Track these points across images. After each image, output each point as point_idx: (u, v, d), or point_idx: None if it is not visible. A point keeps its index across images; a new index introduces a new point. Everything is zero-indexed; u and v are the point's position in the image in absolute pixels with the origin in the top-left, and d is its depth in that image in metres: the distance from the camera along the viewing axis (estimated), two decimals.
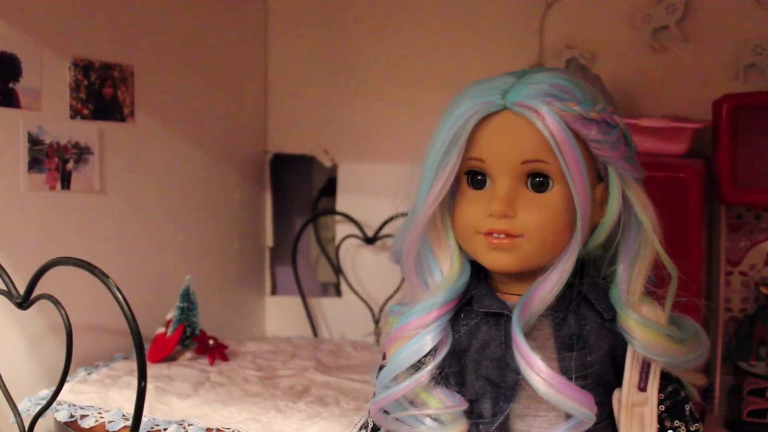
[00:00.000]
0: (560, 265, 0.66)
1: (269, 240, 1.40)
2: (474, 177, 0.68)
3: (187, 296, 1.09)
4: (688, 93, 1.09)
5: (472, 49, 1.22)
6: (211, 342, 1.09)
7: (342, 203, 1.34)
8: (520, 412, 0.68)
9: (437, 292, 0.69)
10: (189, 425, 0.85)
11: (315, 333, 1.35)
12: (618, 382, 0.68)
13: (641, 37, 1.12)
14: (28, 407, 0.91)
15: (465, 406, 0.68)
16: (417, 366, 0.68)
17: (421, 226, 0.68)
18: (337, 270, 1.36)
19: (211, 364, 1.06)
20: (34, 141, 0.99)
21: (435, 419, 0.68)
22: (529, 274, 0.68)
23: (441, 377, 0.69)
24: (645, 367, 0.68)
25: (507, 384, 0.67)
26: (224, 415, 0.87)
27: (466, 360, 0.69)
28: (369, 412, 0.72)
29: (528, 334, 0.66)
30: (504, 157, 0.66)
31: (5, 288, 0.76)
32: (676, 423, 0.70)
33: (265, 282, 1.41)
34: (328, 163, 1.35)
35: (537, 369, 0.64)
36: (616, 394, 0.68)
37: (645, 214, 0.69)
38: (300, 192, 1.43)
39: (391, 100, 1.29)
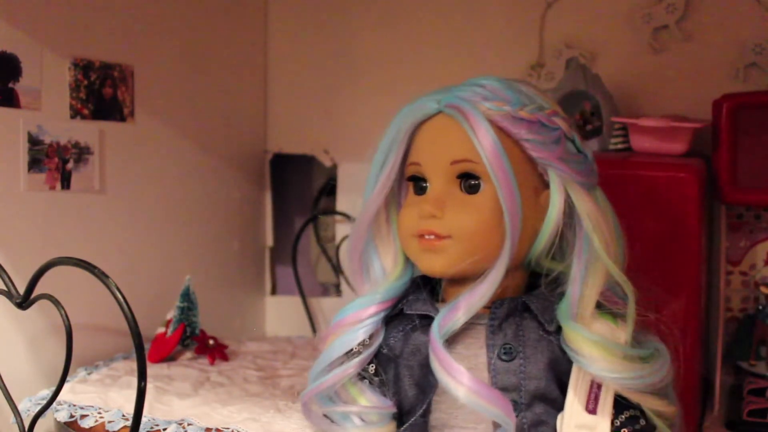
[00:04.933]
0: (493, 271, 0.64)
1: (269, 240, 1.40)
2: (417, 183, 0.69)
3: (187, 296, 1.09)
4: (688, 93, 1.09)
5: (472, 48, 1.22)
6: (211, 342, 1.09)
7: (342, 203, 1.34)
8: (445, 421, 0.67)
9: (378, 288, 0.70)
10: (188, 425, 0.85)
11: (315, 333, 1.35)
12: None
13: (641, 36, 1.12)
14: (28, 407, 0.91)
15: (392, 408, 0.68)
16: (348, 358, 0.69)
17: (364, 227, 0.70)
18: (337, 270, 1.36)
19: (211, 364, 1.06)
20: (34, 141, 0.99)
21: (363, 419, 0.68)
22: (465, 283, 0.67)
23: (380, 382, 0.70)
24: (594, 387, 0.63)
25: (430, 386, 0.66)
26: (224, 414, 0.87)
27: (400, 366, 0.69)
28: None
29: (461, 341, 0.66)
30: (435, 159, 0.67)
31: (5, 288, 0.76)
32: None
33: (265, 282, 1.41)
34: (328, 163, 1.35)
35: (450, 369, 0.63)
36: (560, 414, 0.64)
37: (591, 223, 0.66)
38: (300, 192, 1.43)
39: (391, 99, 1.27)
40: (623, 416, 0.64)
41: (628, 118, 1.00)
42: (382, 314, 0.69)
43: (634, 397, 0.64)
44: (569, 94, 1.08)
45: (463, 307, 0.65)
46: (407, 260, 0.71)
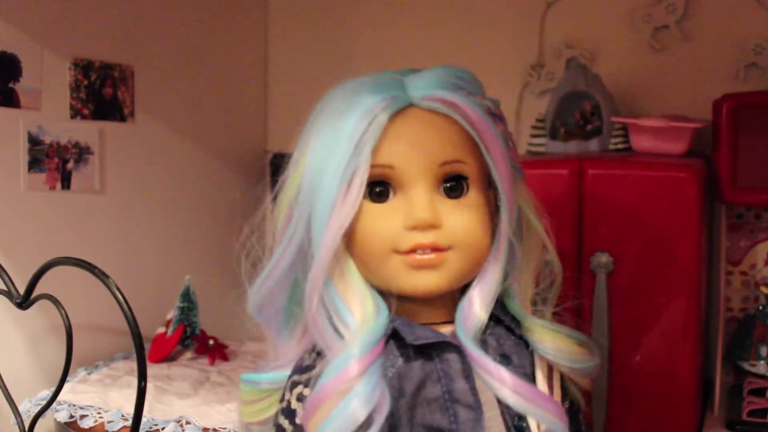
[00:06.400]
0: (489, 273, 0.58)
1: (269, 240, 1.40)
2: (373, 189, 0.57)
3: (187, 296, 1.09)
4: (688, 93, 1.09)
5: (472, 48, 1.22)
6: (211, 342, 1.09)
7: None
8: None
9: (353, 342, 0.54)
10: (186, 423, 0.85)
11: None
12: None
13: (641, 37, 1.12)
14: (28, 408, 0.91)
15: None
16: None
17: (326, 260, 0.56)
18: None
19: (211, 364, 1.06)
20: (34, 141, 0.99)
21: None
22: (444, 300, 0.59)
23: None
24: (550, 381, 0.61)
25: (462, 423, 0.56)
26: (222, 413, 0.87)
27: (398, 409, 0.56)
28: None
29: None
30: (419, 161, 0.56)
31: (5, 288, 0.76)
32: None
33: None
34: None
35: (503, 379, 0.56)
36: None
37: (534, 212, 0.63)
38: None
39: None
40: (566, 403, 0.64)
41: (628, 118, 1.00)
42: (374, 370, 0.53)
43: (581, 381, 0.64)
44: (569, 94, 1.08)
45: (477, 299, 0.58)
46: (373, 291, 0.58)
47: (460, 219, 0.57)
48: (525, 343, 0.61)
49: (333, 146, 0.56)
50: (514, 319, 0.61)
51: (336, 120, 0.56)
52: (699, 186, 0.85)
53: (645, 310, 0.85)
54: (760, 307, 1.04)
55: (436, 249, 0.56)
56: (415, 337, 0.57)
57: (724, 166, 0.95)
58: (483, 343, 0.59)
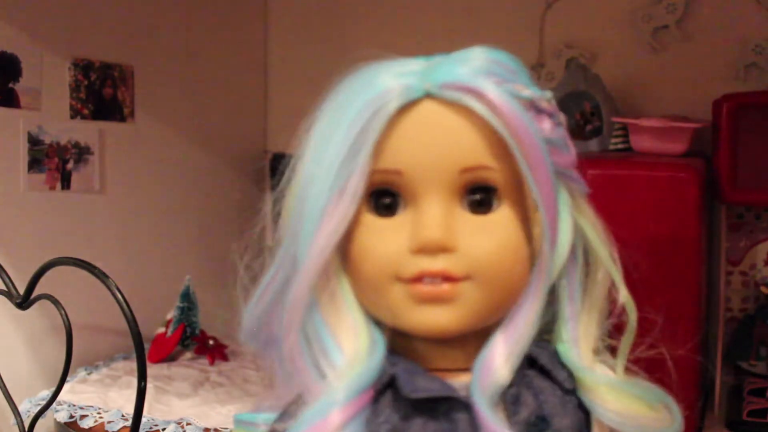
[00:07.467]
0: (522, 313, 0.45)
1: (269, 240, 1.40)
2: (378, 199, 0.45)
3: (187, 296, 1.09)
4: (688, 93, 1.09)
5: None
6: (211, 342, 1.09)
7: None
8: None
9: (337, 385, 0.44)
10: (187, 424, 0.85)
11: None
12: None
13: (641, 37, 1.12)
14: (28, 408, 0.91)
15: None
16: None
17: (308, 283, 0.45)
18: None
19: (211, 364, 1.06)
20: (34, 141, 0.99)
21: None
22: (464, 341, 0.46)
23: None
24: None
25: None
26: (223, 414, 0.87)
27: None
28: None
29: None
30: (434, 166, 0.44)
31: (5, 288, 0.76)
32: None
33: None
34: None
35: None
36: None
37: (599, 239, 0.50)
38: None
39: None
40: None
41: (628, 118, 1.00)
42: (359, 421, 0.43)
43: None
44: (569, 94, 1.08)
45: (501, 348, 0.45)
46: (371, 324, 0.46)
47: (484, 241, 0.44)
48: (576, 400, 0.48)
49: (328, 142, 0.46)
50: (567, 372, 0.48)
51: (336, 111, 0.47)
52: (699, 186, 0.85)
53: (645, 310, 0.85)
54: (760, 307, 1.04)
55: (447, 278, 0.44)
56: (413, 389, 0.44)
57: (724, 166, 0.95)
58: (515, 399, 0.46)
